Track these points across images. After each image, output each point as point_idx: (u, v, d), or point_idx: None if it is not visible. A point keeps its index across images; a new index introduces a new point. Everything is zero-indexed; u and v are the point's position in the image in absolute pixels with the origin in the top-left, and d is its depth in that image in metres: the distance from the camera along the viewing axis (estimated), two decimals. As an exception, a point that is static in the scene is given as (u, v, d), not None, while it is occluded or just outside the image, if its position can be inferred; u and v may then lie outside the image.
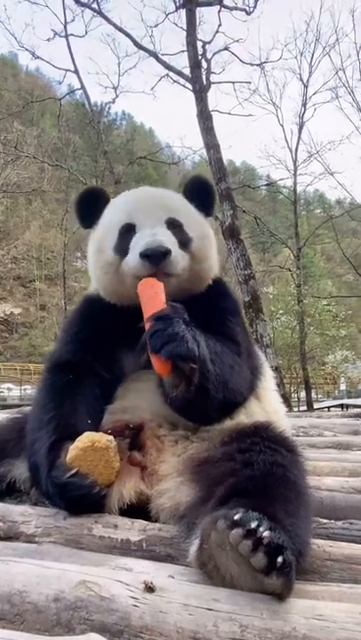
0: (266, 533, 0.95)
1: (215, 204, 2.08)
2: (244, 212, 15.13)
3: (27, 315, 36.65)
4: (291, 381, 22.32)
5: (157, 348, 1.34)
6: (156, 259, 1.60)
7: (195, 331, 1.42)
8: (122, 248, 1.70)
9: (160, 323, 1.39)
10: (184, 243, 1.73)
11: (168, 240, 1.65)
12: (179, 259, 1.67)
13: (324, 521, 1.50)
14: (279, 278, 26.30)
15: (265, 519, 0.99)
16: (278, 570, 0.94)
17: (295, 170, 20.57)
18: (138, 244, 1.64)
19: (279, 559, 0.94)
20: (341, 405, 17.30)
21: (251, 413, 1.74)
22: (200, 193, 1.96)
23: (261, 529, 0.96)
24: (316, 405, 18.88)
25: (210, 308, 1.74)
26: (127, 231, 1.72)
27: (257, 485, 1.21)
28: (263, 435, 1.45)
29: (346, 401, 20.28)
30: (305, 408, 17.26)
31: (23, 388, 24.84)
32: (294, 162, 20.51)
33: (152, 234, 1.64)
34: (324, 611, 0.91)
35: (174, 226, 1.75)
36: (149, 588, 0.94)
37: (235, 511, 1.01)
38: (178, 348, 1.34)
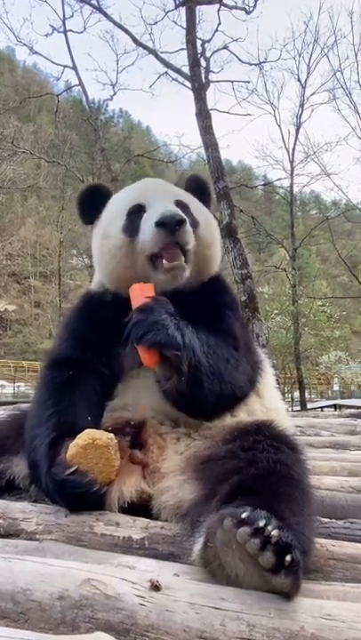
0: (274, 532, 0.94)
1: (211, 203, 2.10)
2: (241, 211, 15.13)
3: (21, 312, 36.45)
4: (285, 381, 22.38)
5: (138, 337, 1.39)
6: (171, 227, 1.59)
7: (179, 321, 1.45)
8: (132, 228, 1.69)
9: (141, 314, 1.44)
10: (192, 224, 1.73)
11: (181, 212, 1.65)
12: (191, 232, 1.67)
13: (326, 520, 1.50)
14: (274, 278, 26.37)
15: (273, 518, 0.99)
16: (287, 568, 0.94)
17: (292, 170, 20.63)
18: (152, 216, 1.63)
19: (287, 558, 0.93)
20: (335, 406, 17.34)
21: (252, 411, 1.73)
22: (198, 191, 1.98)
23: (269, 527, 0.95)
24: (309, 405, 18.93)
25: (209, 303, 1.74)
26: (137, 211, 1.72)
27: (262, 484, 1.20)
28: (266, 433, 1.44)
29: (339, 401, 20.34)
30: (298, 408, 17.31)
31: (16, 385, 24.75)
32: (291, 162, 20.58)
33: (165, 206, 1.65)
34: (332, 610, 0.90)
35: (182, 206, 1.76)
36: (155, 587, 0.93)
37: (242, 509, 1.00)
38: (157, 335, 1.38)
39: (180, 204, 1.76)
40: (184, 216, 1.63)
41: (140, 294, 1.56)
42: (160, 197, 1.74)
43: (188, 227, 1.63)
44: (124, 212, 1.74)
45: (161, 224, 1.58)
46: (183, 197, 1.83)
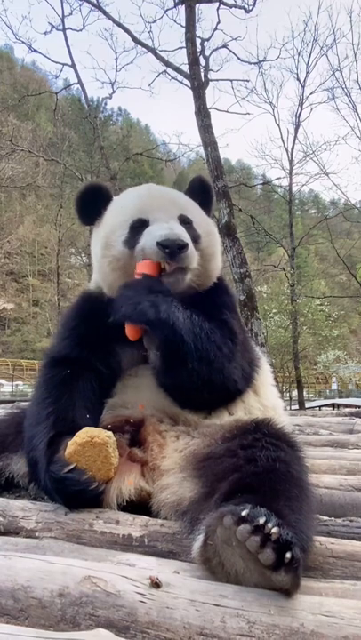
0: (274, 530, 0.95)
1: (213, 204, 2.10)
2: (240, 210, 15.12)
3: (19, 310, 36.44)
4: (283, 380, 22.42)
5: (115, 311, 1.51)
6: (172, 250, 1.59)
7: (160, 298, 1.50)
8: (133, 242, 1.69)
9: (122, 289, 1.55)
10: (194, 239, 1.74)
11: (184, 235, 1.65)
12: (194, 254, 1.68)
13: (325, 518, 1.50)
14: (273, 278, 26.38)
15: (272, 515, 0.99)
16: (287, 566, 0.94)
17: (291, 169, 20.62)
18: (155, 233, 1.63)
19: (288, 555, 0.94)
20: (333, 405, 17.38)
21: (249, 408, 1.74)
22: (202, 193, 1.98)
23: (270, 525, 0.95)
24: (307, 404, 18.97)
25: (209, 302, 1.75)
26: (139, 226, 1.71)
27: (261, 481, 1.20)
28: (265, 431, 1.44)
29: (337, 400, 20.38)
30: (296, 407, 17.34)
31: (15, 383, 24.75)
32: (290, 161, 20.56)
33: (169, 227, 1.64)
34: (331, 607, 0.90)
35: (185, 222, 1.75)
36: (155, 584, 0.93)
37: (242, 507, 1.00)
38: (126, 309, 1.49)
39: (184, 220, 1.75)
40: (187, 240, 1.61)
41: (139, 270, 1.62)
42: (164, 214, 1.72)
43: (189, 250, 1.62)
44: (127, 224, 1.73)
45: (163, 246, 1.58)
46: (187, 211, 1.81)
